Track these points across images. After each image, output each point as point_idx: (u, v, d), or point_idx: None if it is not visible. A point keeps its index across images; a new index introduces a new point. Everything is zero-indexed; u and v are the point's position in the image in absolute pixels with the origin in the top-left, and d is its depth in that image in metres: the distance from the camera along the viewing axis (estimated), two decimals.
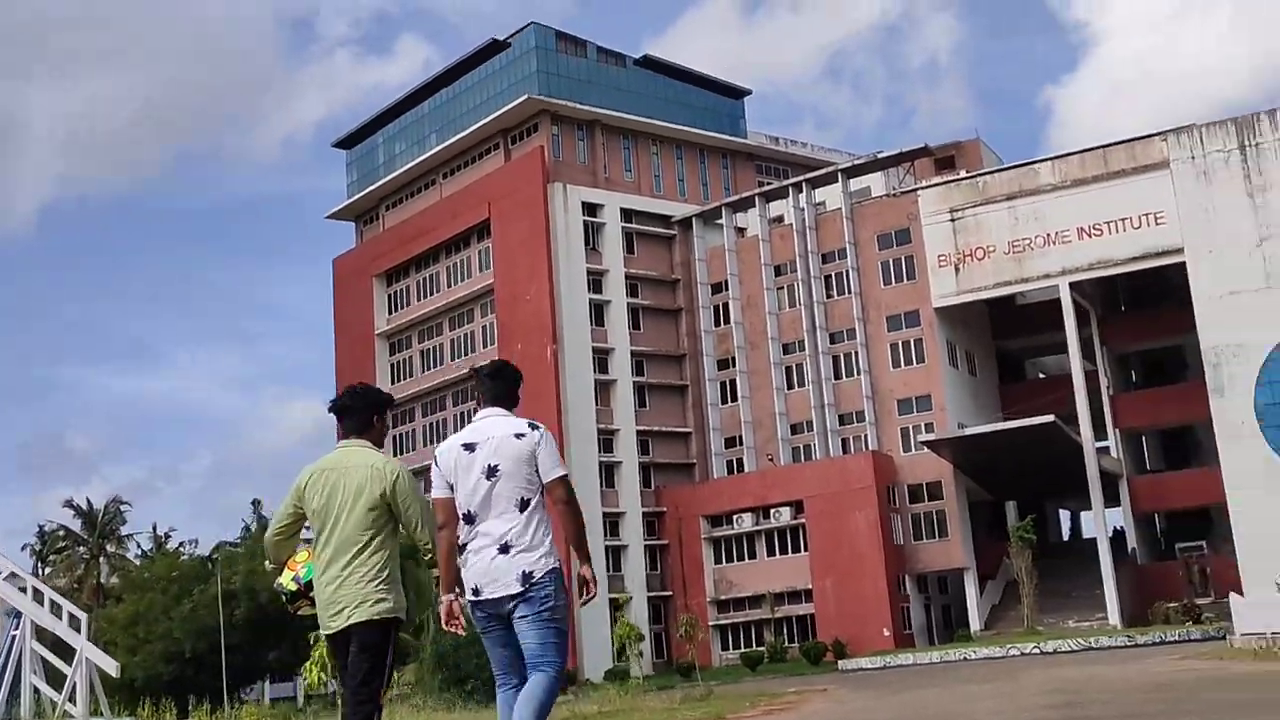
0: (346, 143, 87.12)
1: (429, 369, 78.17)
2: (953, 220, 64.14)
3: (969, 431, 61.44)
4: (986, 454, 61.02)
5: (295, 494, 6.39)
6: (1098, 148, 62.44)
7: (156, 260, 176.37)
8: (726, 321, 71.96)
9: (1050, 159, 63.84)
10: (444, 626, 5.96)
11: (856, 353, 66.86)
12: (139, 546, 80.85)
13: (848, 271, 67.50)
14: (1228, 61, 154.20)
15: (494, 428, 6.00)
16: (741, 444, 70.33)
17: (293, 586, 6.55)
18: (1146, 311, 65.69)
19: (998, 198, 63.28)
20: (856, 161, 70.78)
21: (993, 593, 63.94)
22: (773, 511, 66.19)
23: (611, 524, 68.34)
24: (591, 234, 72.23)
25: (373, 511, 6.21)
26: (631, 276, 73.03)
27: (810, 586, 64.06)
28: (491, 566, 5.81)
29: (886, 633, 60.92)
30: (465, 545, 5.91)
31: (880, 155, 69.35)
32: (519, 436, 5.94)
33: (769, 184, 76.29)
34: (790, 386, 69.29)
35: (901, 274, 66.05)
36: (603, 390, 70.38)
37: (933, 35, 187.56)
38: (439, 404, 76.45)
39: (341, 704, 6.31)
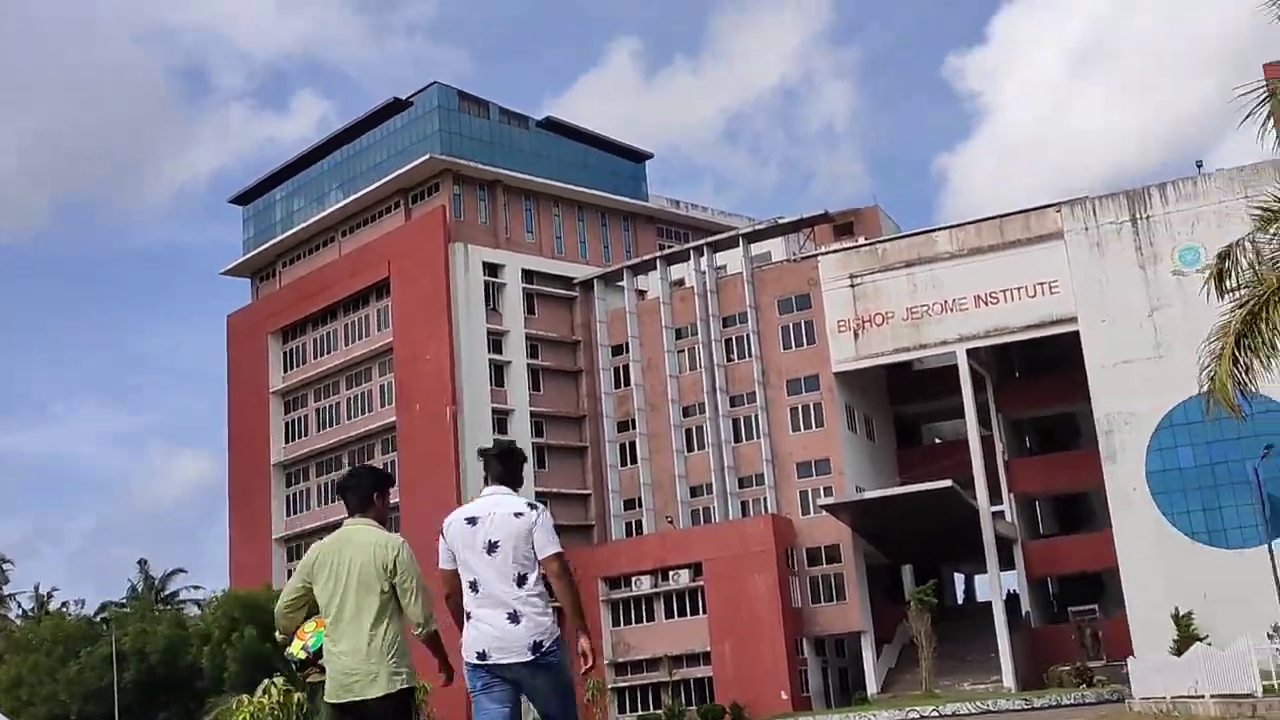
0: (244, 198, 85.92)
1: (325, 428, 76.88)
2: (852, 286, 65.00)
3: (868, 495, 61.95)
4: (885, 518, 61.52)
5: (305, 570, 6.68)
6: (994, 217, 63.93)
7: (43, 312, 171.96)
8: (627, 384, 71.91)
9: (948, 228, 65.16)
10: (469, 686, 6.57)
11: (756, 416, 67.16)
12: (20, 606, 78.10)
13: (748, 335, 67.96)
14: (1114, 133, 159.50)
15: (496, 505, 6.52)
16: (641, 506, 70.10)
17: (302, 655, 7.06)
18: (1041, 379, 66.88)
19: (897, 265, 64.32)
20: (757, 226, 71.50)
21: (889, 656, 64.24)
22: (672, 574, 65.81)
23: None
24: (492, 294, 71.99)
25: (380, 585, 6.50)
26: (532, 337, 72.85)
27: (709, 649, 63.74)
28: (504, 634, 6.31)
29: (784, 695, 60.79)
30: (470, 613, 6.43)
31: (781, 221, 70.16)
32: (518, 515, 6.46)
33: (670, 247, 76.70)
34: (690, 449, 69.32)
35: (802, 338, 66.66)
36: None
37: (830, 101, 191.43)
38: (335, 463, 75.12)
39: None
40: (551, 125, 78.99)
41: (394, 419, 70.95)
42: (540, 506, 6.62)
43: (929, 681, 56.71)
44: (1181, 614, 54.54)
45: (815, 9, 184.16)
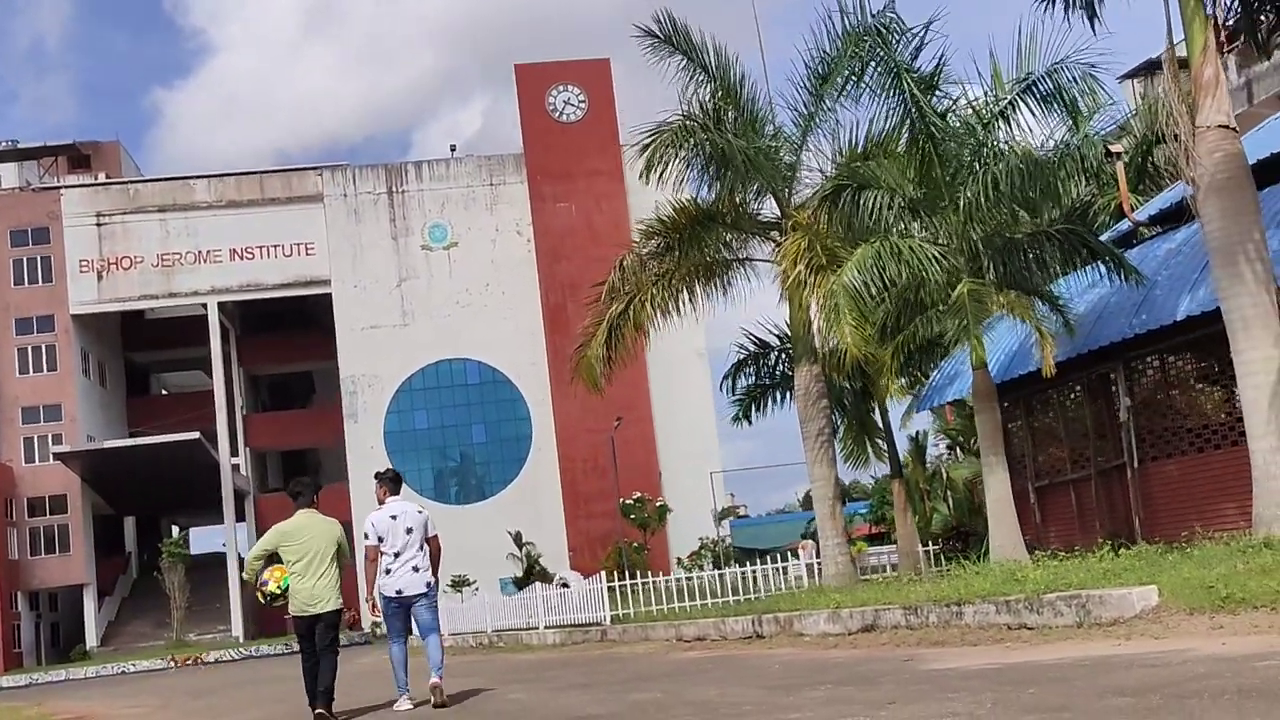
0: None
1: None
2: (99, 225, 62.09)
3: (108, 445, 59.71)
4: (121, 469, 59.58)
5: (279, 536, 10.87)
6: (256, 172, 64.37)
7: None
8: None
9: (207, 176, 64.38)
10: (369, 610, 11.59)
11: None
12: None
13: None
14: (335, 95, 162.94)
15: (405, 507, 11.11)
16: None
17: (276, 591, 10.74)
18: (287, 336, 67.48)
19: (149, 208, 62.46)
20: None
21: (110, 609, 62.49)
22: None
23: None
24: None
25: (333, 549, 10.81)
26: None
27: None
28: (411, 579, 10.94)
29: None
30: (390, 569, 10.93)
31: (19, 145, 64.77)
32: (420, 513, 11.19)
33: None
34: None
35: (37, 275, 62.27)
36: None
37: (42, 15, 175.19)
38: None
39: (319, 655, 10.65)
40: None
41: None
42: (426, 510, 11.40)
43: (180, 631, 56.42)
44: None
45: None
